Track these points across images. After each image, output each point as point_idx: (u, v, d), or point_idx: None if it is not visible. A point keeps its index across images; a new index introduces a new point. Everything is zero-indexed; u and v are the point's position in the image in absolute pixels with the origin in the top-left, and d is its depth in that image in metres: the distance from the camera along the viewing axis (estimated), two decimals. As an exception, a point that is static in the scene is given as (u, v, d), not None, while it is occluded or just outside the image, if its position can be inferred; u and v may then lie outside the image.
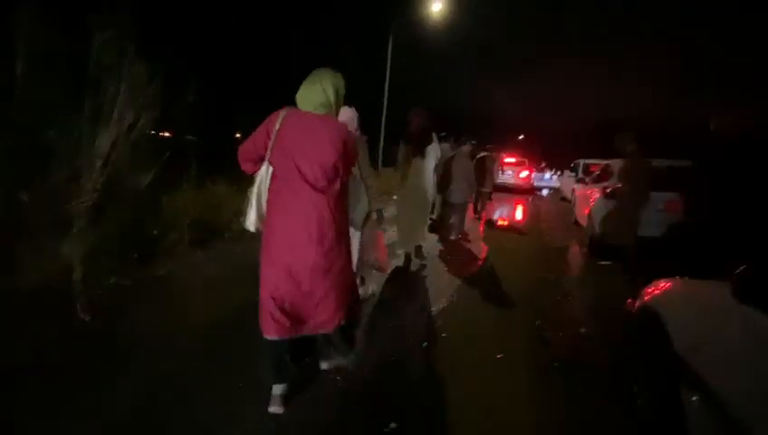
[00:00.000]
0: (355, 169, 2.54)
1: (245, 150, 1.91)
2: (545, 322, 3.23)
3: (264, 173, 1.86)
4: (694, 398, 1.43)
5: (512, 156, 16.58)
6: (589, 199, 6.44)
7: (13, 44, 2.95)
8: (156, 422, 1.83)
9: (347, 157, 1.87)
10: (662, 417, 1.74)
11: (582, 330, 3.10)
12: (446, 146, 5.53)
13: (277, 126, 1.81)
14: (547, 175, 23.26)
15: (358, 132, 2.92)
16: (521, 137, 38.95)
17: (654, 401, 1.86)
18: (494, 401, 2.19)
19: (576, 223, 7.83)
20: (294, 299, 1.86)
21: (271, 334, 1.84)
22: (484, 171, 7.67)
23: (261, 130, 1.86)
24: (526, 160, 16.72)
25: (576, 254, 5.92)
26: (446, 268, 4.68)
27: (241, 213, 5.11)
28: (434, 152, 4.26)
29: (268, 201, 1.88)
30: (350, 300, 2.04)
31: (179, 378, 2.16)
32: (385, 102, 12.44)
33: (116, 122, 3.51)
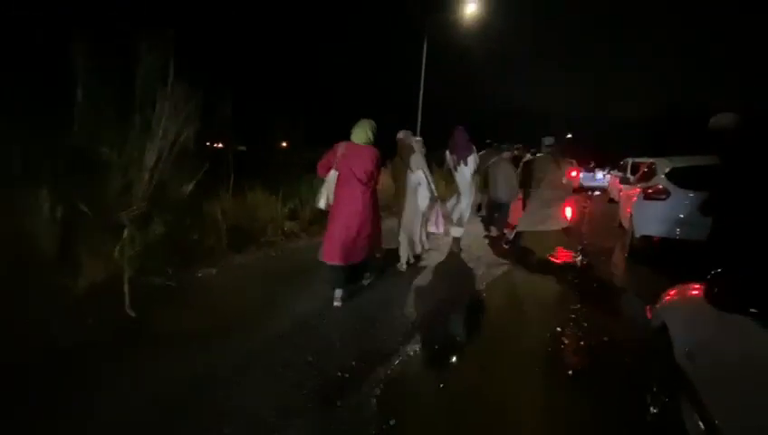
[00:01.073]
0: (421, 173, 4.24)
1: (323, 164, 3.41)
2: (567, 326, 3.14)
3: (333, 175, 3.37)
4: (690, 408, 1.38)
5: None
6: (631, 200, 6.08)
7: (72, 73, 3.41)
8: (185, 408, 2.04)
9: (379, 168, 3.43)
10: (670, 428, 1.67)
11: (605, 338, 2.98)
12: (491, 151, 6.15)
13: (341, 150, 3.33)
14: (599, 175, 21.95)
15: (418, 146, 4.40)
16: (569, 136, 37.06)
17: (663, 411, 1.79)
18: (502, 403, 2.19)
19: (620, 225, 7.40)
20: (345, 245, 3.27)
21: (334, 262, 3.29)
22: (530, 174, 7.84)
23: (330, 153, 3.38)
24: (574, 161, 16.17)
25: (613, 258, 5.62)
26: (481, 261, 4.75)
27: (275, 219, 5.39)
28: (473, 161, 5.16)
29: (335, 191, 3.36)
30: (371, 252, 3.58)
31: (210, 369, 2.37)
32: (420, 104, 12.42)
33: (161, 137, 3.91)
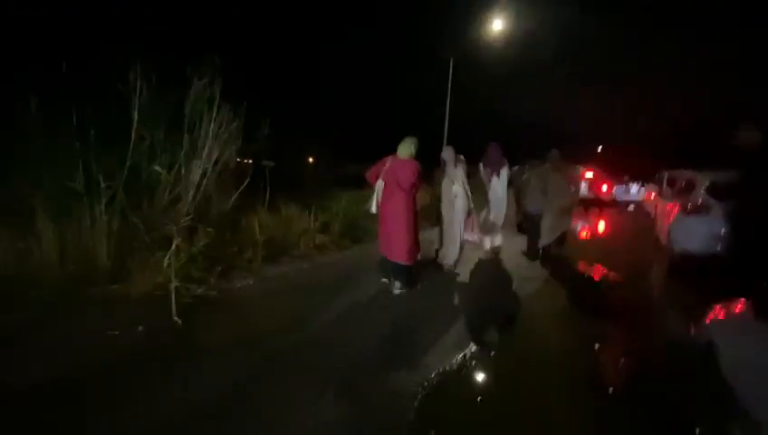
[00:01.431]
0: (458, 186, 4.78)
1: (372, 174, 4.05)
2: (605, 342, 3.08)
3: (380, 184, 3.99)
4: (740, 422, 1.37)
5: (590, 170, 16.24)
6: (669, 215, 5.89)
7: (129, 98, 3.73)
8: (223, 412, 2.16)
9: (419, 178, 3.96)
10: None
11: (647, 354, 2.90)
12: (523, 167, 6.87)
13: (388, 163, 3.96)
14: (633, 188, 21.29)
15: (459, 162, 4.90)
16: (599, 148, 36.12)
17: (712, 425, 1.74)
18: (543, 420, 2.18)
19: (657, 240, 7.14)
20: (389, 241, 3.96)
21: (384, 254, 4.03)
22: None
23: (379, 164, 4.00)
24: (604, 174, 16.12)
25: (651, 274, 5.43)
26: (514, 274, 4.78)
27: (307, 233, 5.50)
28: (506, 174, 5.87)
29: (381, 197, 3.99)
30: (411, 256, 3.99)
31: (245, 375, 2.50)
32: (446, 124, 12.57)
33: (206, 156, 4.17)
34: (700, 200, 4.78)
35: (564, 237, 5.94)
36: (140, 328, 3.04)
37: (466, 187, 4.83)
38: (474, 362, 2.79)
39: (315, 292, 4.07)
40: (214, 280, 3.99)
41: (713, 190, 4.77)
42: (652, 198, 9.52)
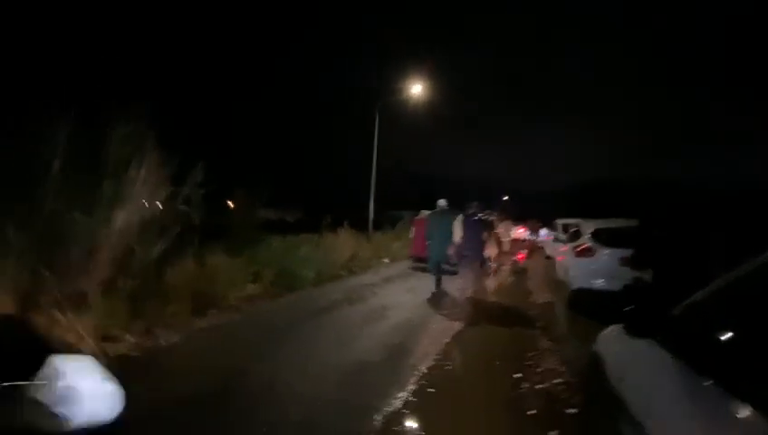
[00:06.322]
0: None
1: (412, 222, 10.41)
2: (524, 373, 3.48)
3: (414, 229, 9.87)
4: (628, 427, 1.72)
5: (507, 218, 19.24)
6: (565, 256, 6.89)
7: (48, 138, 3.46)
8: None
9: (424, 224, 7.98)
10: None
11: (559, 380, 3.35)
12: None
13: (417, 219, 9.67)
14: (543, 232, 24.22)
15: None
16: (505, 198, 40.35)
17: (608, 431, 2.11)
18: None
19: (558, 279, 8.19)
20: (420, 248, 8.39)
21: (415, 255, 9.55)
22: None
23: (415, 222, 10.00)
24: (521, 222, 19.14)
25: (556, 307, 6.21)
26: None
27: (237, 283, 5.31)
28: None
29: (416, 233, 9.39)
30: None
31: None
32: (373, 176, 13.26)
33: (131, 203, 3.97)
34: (586, 244, 5.73)
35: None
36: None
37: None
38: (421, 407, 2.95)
39: (246, 346, 3.91)
40: (135, 338, 3.66)
41: (596, 236, 5.76)
42: (552, 240, 10.91)
